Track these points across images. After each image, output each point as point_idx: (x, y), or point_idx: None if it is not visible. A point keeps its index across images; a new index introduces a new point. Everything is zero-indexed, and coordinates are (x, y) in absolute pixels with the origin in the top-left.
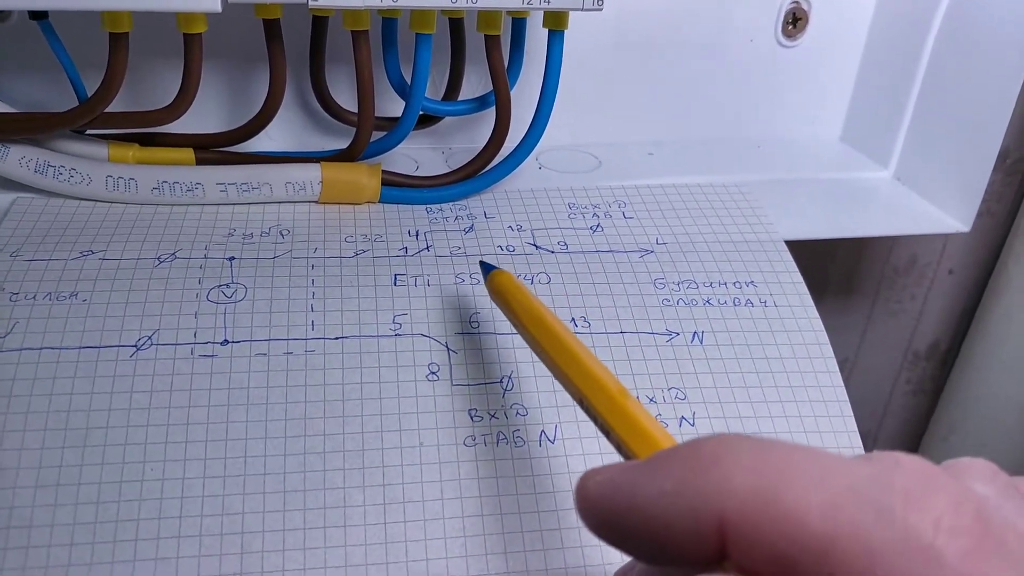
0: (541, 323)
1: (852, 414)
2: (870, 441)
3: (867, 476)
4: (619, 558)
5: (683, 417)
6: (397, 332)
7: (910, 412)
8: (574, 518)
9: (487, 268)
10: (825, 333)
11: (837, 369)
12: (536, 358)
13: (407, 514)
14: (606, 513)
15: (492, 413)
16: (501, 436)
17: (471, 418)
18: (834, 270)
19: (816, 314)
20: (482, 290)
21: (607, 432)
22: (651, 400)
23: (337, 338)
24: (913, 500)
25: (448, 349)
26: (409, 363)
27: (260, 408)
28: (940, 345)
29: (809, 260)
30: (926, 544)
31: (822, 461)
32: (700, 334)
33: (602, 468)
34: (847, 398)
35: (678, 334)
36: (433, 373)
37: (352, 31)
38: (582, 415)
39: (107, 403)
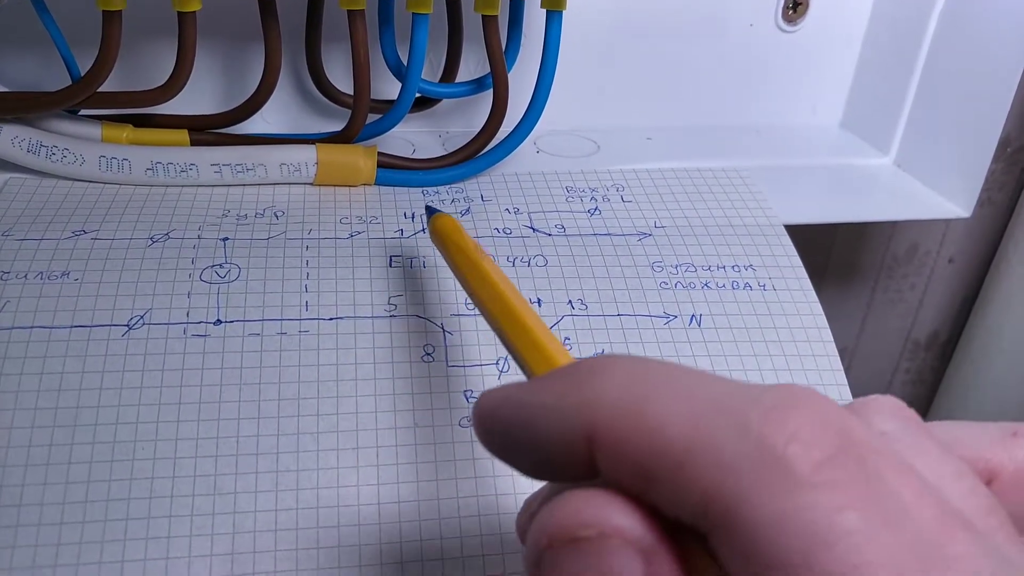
0: (468, 260)
1: (851, 397)
2: None
3: (736, 392)
4: None
5: None
6: (392, 313)
7: (909, 402)
8: None
9: (431, 211)
10: (824, 317)
11: (836, 352)
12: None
13: (401, 494)
14: (495, 426)
15: None
16: None
17: (466, 399)
18: (833, 258)
19: (815, 298)
20: None
21: (515, 357)
22: None
23: (332, 319)
24: (772, 414)
25: (443, 330)
26: (404, 344)
27: (253, 388)
28: (940, 335)
29: (808, 248)
30: (777, 455)
31: (698, 376)
32: (698, 317)
33: (498, 386)
34: (846, 381)
35: (676, 317)
36: (428, 354)
37: (348, 10)
38: None
39: (98, 382)
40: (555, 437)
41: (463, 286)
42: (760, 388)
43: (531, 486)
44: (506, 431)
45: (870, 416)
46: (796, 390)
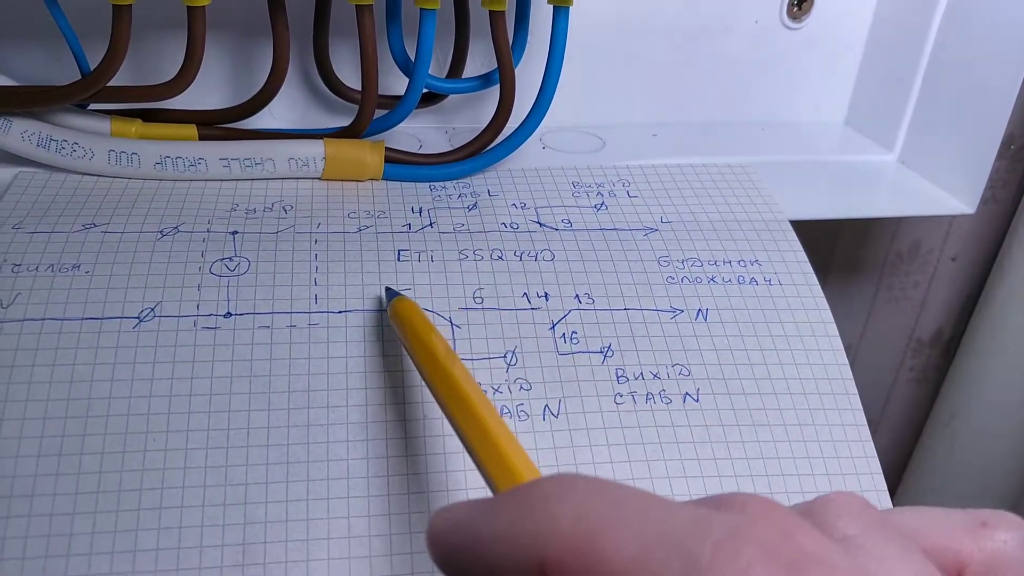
0: (428, 350)
1: (856, 391)
2: (873, 429)
3: (687, 521)
4: None
5: (687, 393)
6: None
7: (913, 400)
8: None
9: (392, 294)
10: (830, 312)
11: (841, 347)
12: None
13: (410, 486)
14: (448, 550)
15: (496, 388)
16: (505, 410)
17: None
18: (837, 256)
19: (821, 293)
20: (487, 266)
21: (477, 466)
22: (655, 376)
23: (341, 312)
24: (722, 550)
25: (452, 324)
26: None
27: (263, 380)
28: (943, 333)
29: (812, 245)
30: None
31: (651, 504)
32: (704, 311)
33: (453, 505)
34: (851, 376)
35: (682, 311)
36: None
37: (356, 5)
38: (585, 390)
39: (110, 374)
40: (507, 566)
41: (423, 378)
42: (709, 514)
43: None
44: (459, 557)
45: (832, 521)
46: (747, 516)
